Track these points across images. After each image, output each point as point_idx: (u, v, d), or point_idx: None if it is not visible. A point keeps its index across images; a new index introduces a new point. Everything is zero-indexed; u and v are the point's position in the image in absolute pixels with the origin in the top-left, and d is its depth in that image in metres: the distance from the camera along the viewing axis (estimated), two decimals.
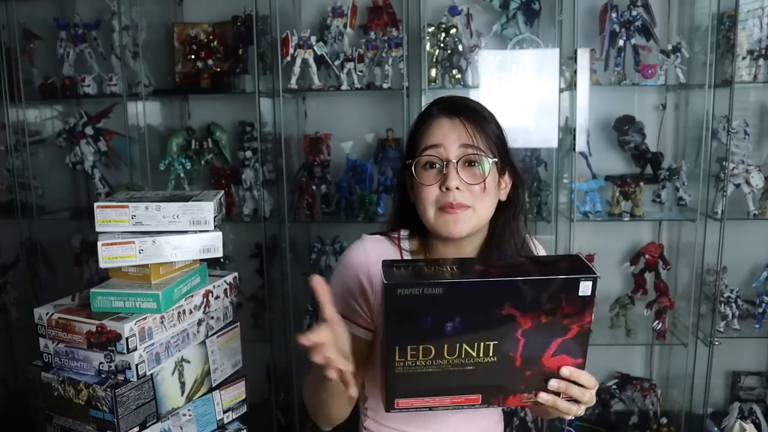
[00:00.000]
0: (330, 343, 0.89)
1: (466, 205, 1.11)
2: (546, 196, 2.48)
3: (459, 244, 1.16)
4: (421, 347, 0.90)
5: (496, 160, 1.13)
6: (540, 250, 1.31)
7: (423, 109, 1.21)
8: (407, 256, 1.20)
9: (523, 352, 0.92)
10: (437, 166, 1.12)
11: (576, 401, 0.98)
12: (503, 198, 1.19)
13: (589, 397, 0.98)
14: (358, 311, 1.17)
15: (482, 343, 0.91)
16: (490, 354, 0.92)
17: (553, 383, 0.96)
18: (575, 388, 0.96)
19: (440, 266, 0.92)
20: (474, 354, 0.92)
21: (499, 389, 0.96)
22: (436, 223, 1.12)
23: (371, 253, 1.18)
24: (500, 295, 0.88)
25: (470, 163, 1.12)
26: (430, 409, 0.96)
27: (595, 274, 0.89)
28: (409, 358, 0.91)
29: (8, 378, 2.80)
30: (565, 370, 0.95)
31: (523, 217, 1.22)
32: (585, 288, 0.89)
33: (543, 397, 0.97)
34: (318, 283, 0.91)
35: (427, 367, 0.92)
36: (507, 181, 1.19)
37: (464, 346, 0.90)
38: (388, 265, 0.90)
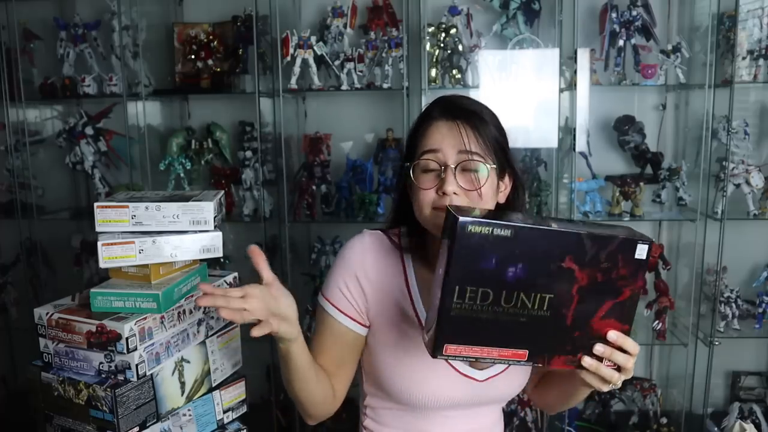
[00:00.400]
0: (254, 297, 0.98)
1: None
2: (546, 196, 2.48)
3: None
4: (480, 290, 0.91)
5: (495, 166, 1.12)
6: None
7: (424, 109, 1.20)
8: (406, 253, 1.20)
9: (575, 310, 0.94)
10: (435, 170, 1.11)
11: (617, 370, 0.99)
12: (502, 200, 1.18)
13: (631, 364, 1.00)
14: (352, 306, 1.18)
15: (539, 295, 0.93)
16: (545, 308, 0.93)
17: (599, 347, 0.97)
18: (620, 355, 0.98)
19: (507, 217, 0.95)
20: (529, 305, 0.93)
21: (545, 347, 0.97)
22: (432, 221, 1.11)
23: (369, 250, 1.19)
24: (564, 247, 0.91)
25: (468, 169, 1.11)
26: (477, 360, 0.97)
27: (651, 239, 0.93)
28: (467, 300, 0.92)
29: (8, 378, 2.80)
30: (612, 334, 0.97)
31: None
32: (641, 251, 0.93)
33: (587, 361, 0.97)
34: (254, 251, 1.02)
35: (482, 312, 0.93)
36: (506, 183, 1.18)
37: (521, 295, 0.92)
38: (455, 208, 0.93)
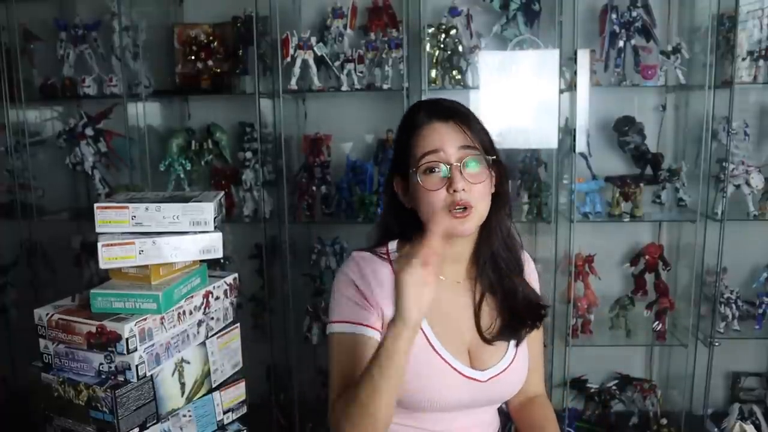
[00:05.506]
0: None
1: (472, 205, 1.13)
2: (546, 197, 2.48)
3: (453, 241, 1.18)
4: None
5: (494, 157, 1.17)
6: (527, 261, 1.33)
7: (405, 116, 1.22)
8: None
9: None
10: (437, 170, 1.14)
11: None
12: (492, 191, 1.20)
13: None
14: (368, 314, 1.16)
15: None
16: None
17: None
18: None
19: None
20: None
21: None
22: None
23: (363, 267, 1.20)
24: None
25: (470, 163, 1.14)
26: None
27: None
28: None
29: (8, 378, 2.80)
30: None
31: (507, 209, 1.25)
32: None
33: None
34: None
35: None
36: (494, 175, 1.21)
37: None
38: None
